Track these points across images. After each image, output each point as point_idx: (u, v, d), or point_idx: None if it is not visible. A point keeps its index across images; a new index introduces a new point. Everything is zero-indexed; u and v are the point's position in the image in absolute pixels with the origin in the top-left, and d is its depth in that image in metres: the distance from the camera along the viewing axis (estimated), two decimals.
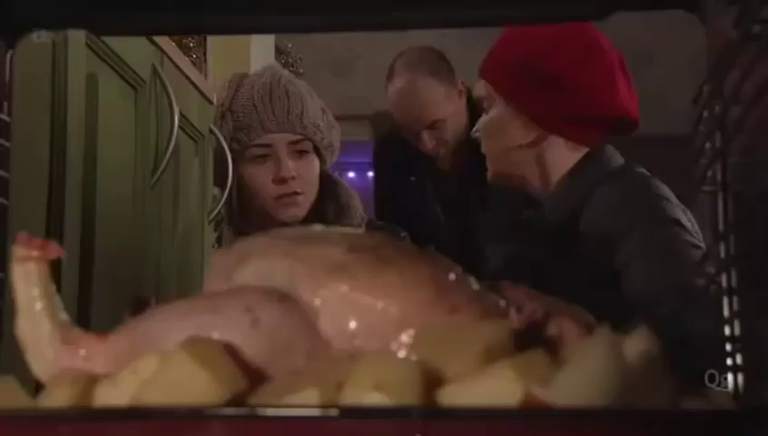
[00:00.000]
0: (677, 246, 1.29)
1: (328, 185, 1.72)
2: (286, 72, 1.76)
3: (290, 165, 1.63)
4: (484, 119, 1.48)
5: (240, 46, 2.83)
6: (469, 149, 2.18)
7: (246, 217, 1.66)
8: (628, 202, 1.37)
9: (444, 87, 2.20)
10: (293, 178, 1.63)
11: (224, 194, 1.62)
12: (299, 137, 1.65)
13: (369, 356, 0.54)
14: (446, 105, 2.18)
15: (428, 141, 2.18)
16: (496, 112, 1.45)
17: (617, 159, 1.46)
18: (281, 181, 1.63)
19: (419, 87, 2.19)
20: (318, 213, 1.66)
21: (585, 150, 1.44)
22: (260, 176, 1.64)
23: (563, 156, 1.44)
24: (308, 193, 1.66)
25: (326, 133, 1.70)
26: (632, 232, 1.30)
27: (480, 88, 1.48)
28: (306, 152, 1.66)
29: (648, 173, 1.45)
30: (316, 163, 1.69)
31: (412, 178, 2.26)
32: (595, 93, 1.42)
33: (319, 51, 4.60)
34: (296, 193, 1.63)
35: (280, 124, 1.64)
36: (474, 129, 1.51)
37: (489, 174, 1.49)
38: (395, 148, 2.33)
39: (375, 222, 1.78)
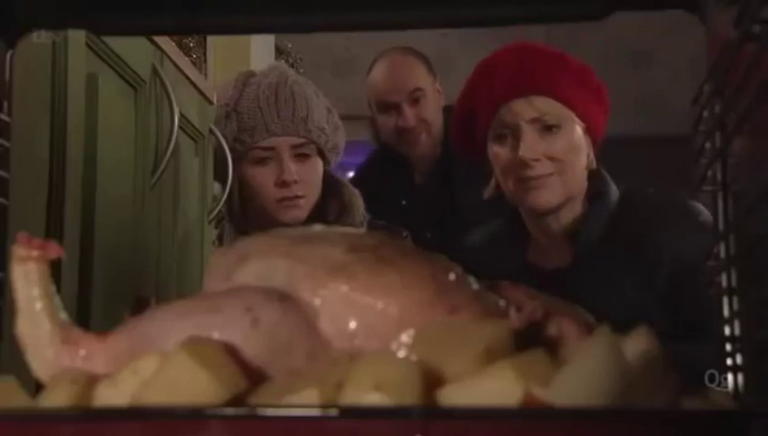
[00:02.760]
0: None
1: (330, 185, 1.71)
2: (293, 72, 1.74)
3: (293, 169, 1.62)
4: (558, 142, 1.39)
5: (240, 46, 2.84)
6: (447, 162, 2.19)
7: (247, 217, 1.66)
8: (659, 212, 1.41)
9: (426, 68, 2.21)
10: (295, 182, 1.62)
11: (224, 194, 1.62)
12: (302, 140, 1.63)
13: (369, 356, 0.54)
14: (426, 79, 2.18)
15: (409, 116, 2.14)
16: (570, 132, 1.40)
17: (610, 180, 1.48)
18: (283, 184, 1.62)
19: (402, 59, 2.21)
20: (320, 213, 1.66)
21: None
22: (262, 178, 1.64)
23: (585, 175, 1.45)
24: (310, 195, 1.66)
25: (330, 135, 1.69)
26: (678, 233, 1.34)
27: (544, 105, 1.38)
28: (309, 155, 1.65)
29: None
30: (319, 165, 1.68)
31: (390, 191, 2.19)
32: (608, 108, 1.45)
33: (319, 51, 4.60)
34: (297, 197, 1.62)
35: (284, 128, 1.62)
36: (535, 156, 1.39)
37: (556, 201, 1.41)
38: (374, 170, 2.30)
39: (376, 222, 1.77)
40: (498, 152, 1.42)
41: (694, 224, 1.35)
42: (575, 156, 1.41)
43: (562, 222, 1.44)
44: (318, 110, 1.67)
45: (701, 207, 1.38)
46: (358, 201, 1.75)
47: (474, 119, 1.45)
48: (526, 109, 1.38)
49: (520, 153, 1.38)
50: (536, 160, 1.38)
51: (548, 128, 1.38)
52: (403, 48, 2.25)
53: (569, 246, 1.44)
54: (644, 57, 4.74)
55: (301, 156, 1.64)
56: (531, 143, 1.38)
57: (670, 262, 1.35)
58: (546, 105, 1.38)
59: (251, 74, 1.71)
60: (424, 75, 2.19)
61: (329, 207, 1.69)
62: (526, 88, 1.39)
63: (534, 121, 1.38)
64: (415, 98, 2.15)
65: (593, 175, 1.45)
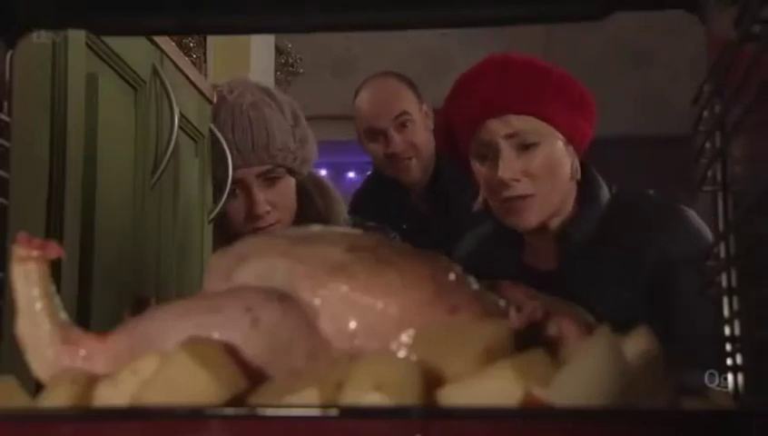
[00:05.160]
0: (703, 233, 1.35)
1: (304, 196, 1.69)
2: (250, 90, 1.68)
3: (263, 198, 1.60)
4: (537, 159, 1.38)
5: (240, 46, 2.84)
6: (441, 182, 2.17)
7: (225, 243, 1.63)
8: (650, 214, 1.41)
9: (411, 91, 2.18)
10: (267, 212, 1.60)
11: (224, 195, 1.61)
12: (268, 167, 1.61)
13: (369, 356, 0.54)
14: (412, 103, 2.15)
15: (396, 141, 2.11)
16: (549, 147, 1.39)
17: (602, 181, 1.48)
18: (256, 217, 1.60)
19: (386, 84, 2.18)
20: (297, 224, 1.64)
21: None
22: (234, 211, 1.61)
23: (571, 184, 1.45)
24: (285, 218, 1.63)
25: (297, 151, 1.65)
26: (669, 237, 1.35)
27: (520, 123, 1.37)
28: (278, 177, 1.62)
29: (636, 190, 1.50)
30: (291, 183, 1.65)
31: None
32: (594, 115, 1.44)
33: (319, 51, 4.60)
34: (272, 225, 1.60)
35: (245, 160, 1.60)
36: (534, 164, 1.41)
37: (537, 220, 1.41)
38: (372, 195, 2.27)
39: (365, 224, 1.75)
40: (480, 169, 1.43)
41: (682, 225, 1.36)
42: (555, 171, 1.40)
43: (553, 225, 1.45)
44: (280, 130, 1.63)
45: (689, 211, 1.39)
46: (337, 206, 1.72)
47: (455, 134, 1.46)
48: (503, 128, 1.38)
49: (499, 173, 1.38)
50: (516, 180, 1.38)
51: (526, 146, 1.38)
52: (386, 73, 2.22)
53: (560, 248, 1.44)
54: (644, 57, 4.74)
55: (270, 181, 1.61)
56: (509, 163, 1.37)
57: (659, 263, 1.35)
58: (522, 123, 1.38)
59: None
60: (409, 99, 2.15)
61: (303, 219, 1.66)
62: (503, 108, 1.38)
63: (510, 137, 1.38)
64: (401, 123, 2.12)
65: (583, 177, 1.46)
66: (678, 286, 1.32)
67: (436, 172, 2.17)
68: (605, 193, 1.46)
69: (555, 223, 1.44)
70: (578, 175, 1.44)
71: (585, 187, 1.46)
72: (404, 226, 2.13)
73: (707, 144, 0.69)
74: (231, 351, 0.56)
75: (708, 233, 1.34)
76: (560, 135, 1.40)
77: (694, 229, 1.36)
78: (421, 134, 2.15)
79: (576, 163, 1.43)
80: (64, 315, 0.63)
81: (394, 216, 2.13)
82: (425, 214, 2.20)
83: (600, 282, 1.37)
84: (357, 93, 2.22)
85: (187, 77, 1.57)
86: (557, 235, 1.45)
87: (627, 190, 1.49)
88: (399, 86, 2.17)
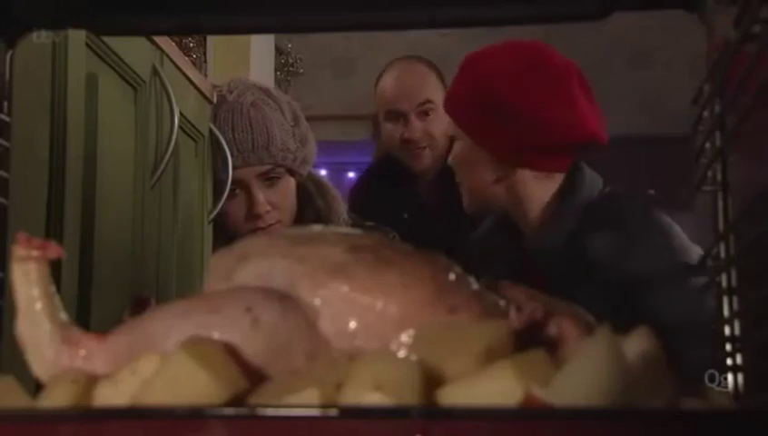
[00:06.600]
0: (680, 247, 1.34)
1: (304, 197, 1.70)
2: (250, 90, 1.68)
3: (263, 198, 1.60)
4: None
5: (240, 46, 2.84)
6: (450, 174, 2.16)
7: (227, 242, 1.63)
8: (628, 220, 1.43)
9: (438, 80, 2.16)
10: (267, 212, 1.60)
11: (224, 195, 1.61)
12: (268, 167, 1.61)
13: (369, 356, 0.54)
14: (437, 91, 2.12)
15: (416, 128, 2.09)
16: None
17: (597, 180, 1.48)
18: (256, 217, 1.60)
19: (413, 67, 2.16)
20: (297, 224, 1.64)
21: (560, 176, 1.45)
22: (234, 211, 1.62)
23: (537, 186, 1.46)
24: (285, 218, 1.63)
25: (297, 151, 1.65)
26: (638, 247, 1.35)
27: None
28: (278, 177, 1.63)
29: (628, 192, 1.53)
30: (290, 183, 1.65)
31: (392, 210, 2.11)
32: (558, 122, 1.43)
33: (319, 51, 4.60)
34: (272, 225, 1.60)
35: (245, 159, 1.60)
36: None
37: (465, 206, 1.54)
38: (373, 185, 2.24)
39: (364, 224, 1.74)
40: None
41: (658, 229, 1.38)
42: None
43: (535, 215, 1.46)
44: (280, 130, 1.63)
45: (667, 219, 1.40)
46: (337, 206, 1.72)
47: None
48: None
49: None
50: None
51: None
52: (414, 57, 2.20)
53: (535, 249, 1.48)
54: (644, 57, 4.75)
55: (270, 181, 1.61)
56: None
57: (634, 264, 1.36)
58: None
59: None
60: (436, 87, 2.13)
61: (305, 218, 1.66)
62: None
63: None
64: (424, 111, 2.11)
65: (568, 178, 1.47)
66: (654, 286, 1.33)
67: (446, 163, 2.16)
68: (589, 188, 1.46)
69: (538, 213, 1.46)
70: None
71: (570, 181, 1.46)
72: (405, 215, 2.12)
73: (707, 144, 0.69)
74: (231, 351, 0.56)
75: (683, 239, 1.37)
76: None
77: (670, 231, 1.37)
78: (441, 125, 2.12)
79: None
80: (64, 315, 0.63)
81: (396, 204, 2.12)
82: (429, 205, 2.18)
83: (573, 284, 1.38)
84: (381, 74, 2.19)
85: (187, 77, 1.57)
86: (531, 236, 1.48)
87: (616, 191, 1.49)
88: (427, 73, 2.15)
